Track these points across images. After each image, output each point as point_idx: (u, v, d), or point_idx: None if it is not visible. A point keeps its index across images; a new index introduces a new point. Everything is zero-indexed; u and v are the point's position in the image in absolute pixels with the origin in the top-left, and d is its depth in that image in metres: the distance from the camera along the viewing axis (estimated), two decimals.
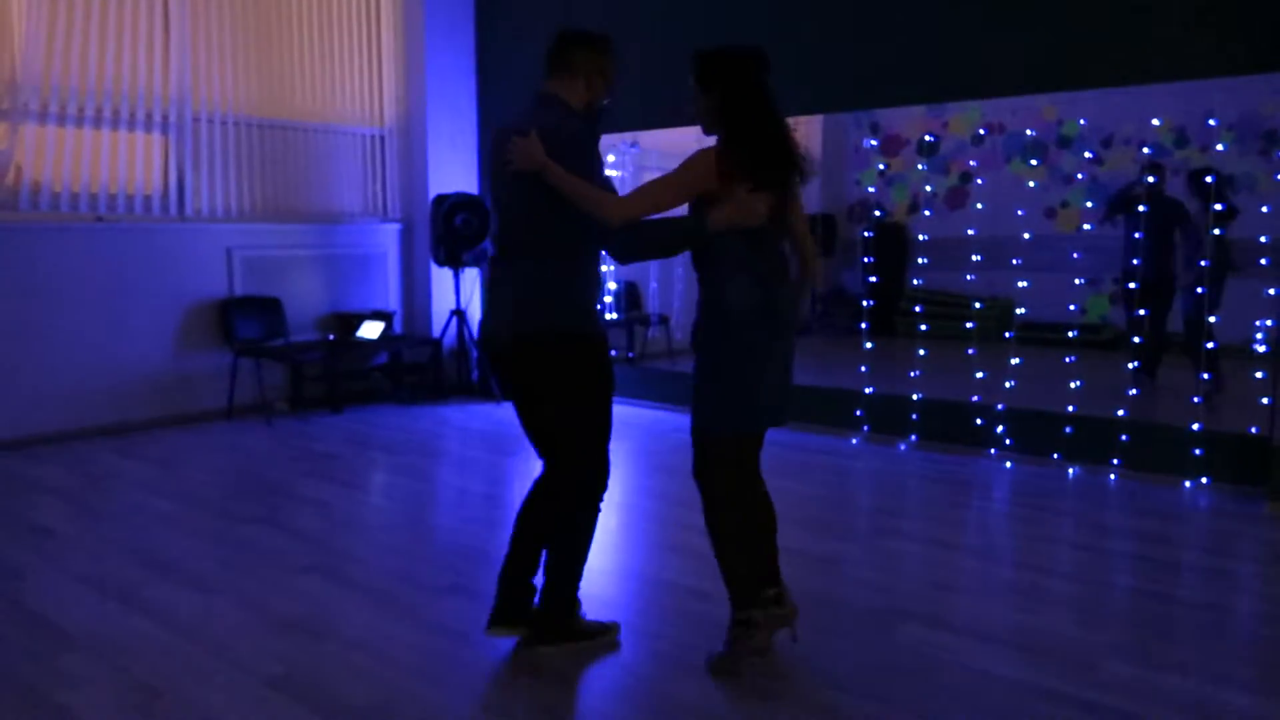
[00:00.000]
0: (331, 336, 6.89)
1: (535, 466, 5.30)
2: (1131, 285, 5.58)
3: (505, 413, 6.69)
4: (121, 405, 5.99)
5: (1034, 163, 8.60)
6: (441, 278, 7.36)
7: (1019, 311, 5.95)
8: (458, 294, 7.03)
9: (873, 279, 6.01)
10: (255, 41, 6.59)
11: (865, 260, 6.24)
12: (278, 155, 6.80)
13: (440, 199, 6.98)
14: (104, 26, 5.85)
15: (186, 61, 6.22)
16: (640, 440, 5.91)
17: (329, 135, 7.07)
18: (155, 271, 6.12)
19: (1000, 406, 5.30)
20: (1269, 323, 4.67)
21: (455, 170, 7.47)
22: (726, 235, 2.63)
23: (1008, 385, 5.37)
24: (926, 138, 9.09)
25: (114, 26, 5.89)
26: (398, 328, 7.42)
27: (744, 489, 2.76)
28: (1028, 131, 8.70)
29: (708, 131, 2.79)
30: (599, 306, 2.91)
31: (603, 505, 2.93)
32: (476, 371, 7.30)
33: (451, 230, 6.88)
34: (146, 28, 6.03)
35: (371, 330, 6.84)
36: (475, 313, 7.54)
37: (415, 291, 7.55)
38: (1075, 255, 5.95)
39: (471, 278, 7.43)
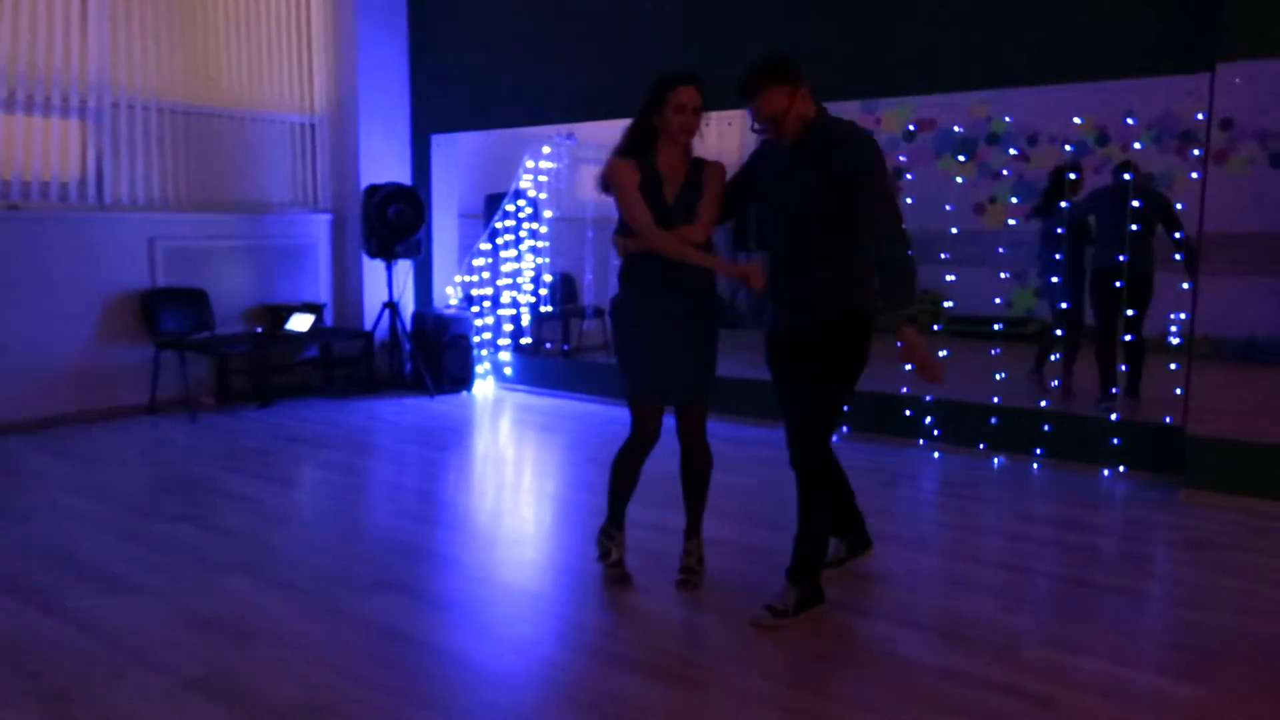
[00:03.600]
0: (259, 329, 6.73)
1: (466, 461, 5.26)
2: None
3: (439, 406, 6.62)
4: (37, 400, 5.77)
5: (963, 159, 8.78)
6: (374, 270, 7.24)
7: (947, 305, 6.07)
8: (390, 286, 6.92)
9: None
10: (178, 24, 6.40)
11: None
12: (203, 143, 6.61)
13: (373, 189, 6.86)
14: (17, 5, 5.62)
15: (106, 43, 6.01)
16: (575, 433, 5.90)
17: (257, 123, 6.90)
18: (73, 262, 5.91)
19: (928, 398, 5.41)
20: (1183, 316, 4.84)
21: (388, 160, 7.36)
22: None
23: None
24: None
25: (28, 5, 5.66)
26: (328, 320, 7.28)
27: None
28: (957, 128, 8.87)
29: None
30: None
31: None
32: (409, 364, 7.21)
33: (384, 221, 6.78)
34: (63, 7, 5.81)
35: (301, 323, 6.70)
36: (408, 305, 7.45)
37: (347, 283, 7.42)
38: (1001, 250, 6.09)
39: (404, 269, 7.33)
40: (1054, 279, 6.11)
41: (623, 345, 3.28)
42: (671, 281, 3.14)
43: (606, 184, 3.21)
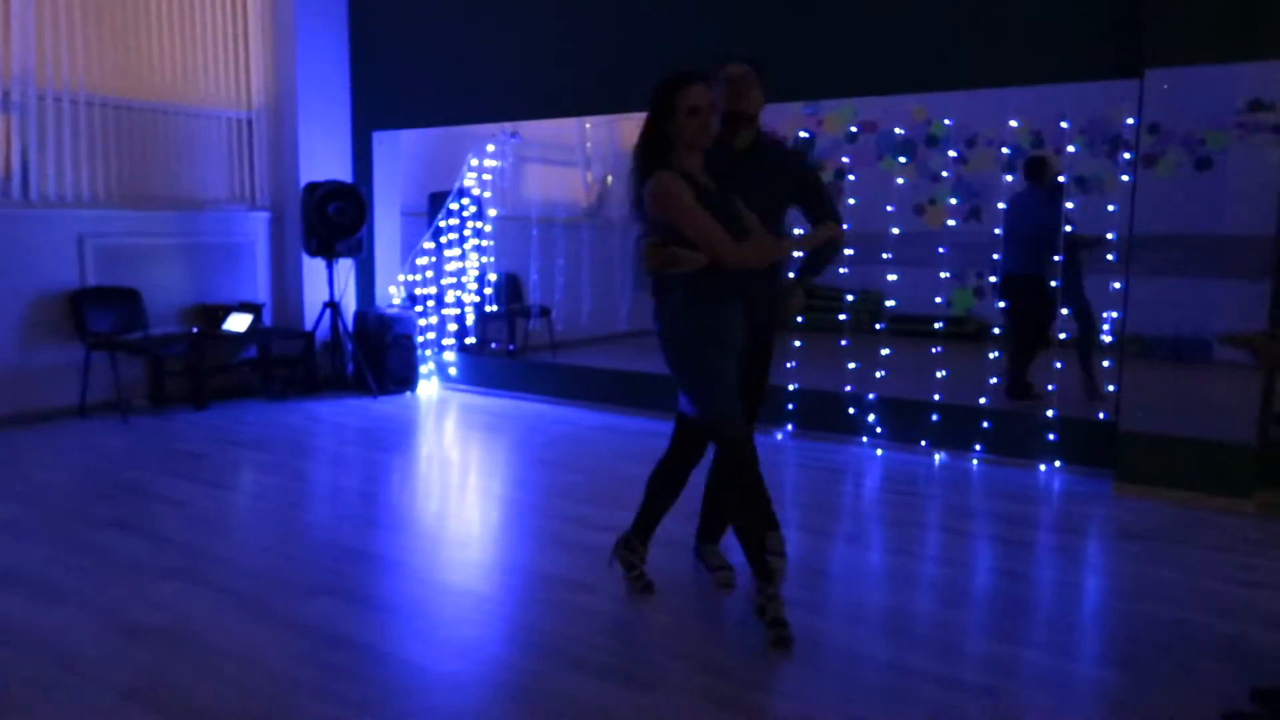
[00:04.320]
0: (195, 329, 6.57)
1: (410, 462, 5.20)
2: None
3: (382, 407, 6.53)
4: None
5: (904, 160, 8.92)
6: (314, 268, 7.11)
7: (889, 304, 6.16)
8: (331, 285, 6.81)
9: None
10: (108, 14, 6.21)
11: None
12: (135, 138, 6.43)
13: (312, 186, 6.74)
14: None
15: (31, 33, 5.80)
16: (521, 434, 5.86)
17: (192, 118, 6.73)
18: None
19: (871, 396, 5.49)
20: (1115, 315, 4.98)
21: (328, 157, 7.24)
22: None
23: (878, 375, 5.55)
24: (802, 134, 9.30)
25: None
26: (267, 320, 7.14)
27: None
28: (898, 130, 9.01)
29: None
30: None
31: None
32: (351, 365, 7.09)
33: (324, 219, 6.66)
34: None
35: (239, 323, 6.55)
36: (349, 304, 7.34)
37: (286, 282, 7.28)
38: (941, 250, 6.20)
39: (345, 268, 7.22)
40: (992, 279, 6.25)
41: (717, 362, 2.91)
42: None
43: (652, 203, 2.85)
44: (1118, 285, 4.86)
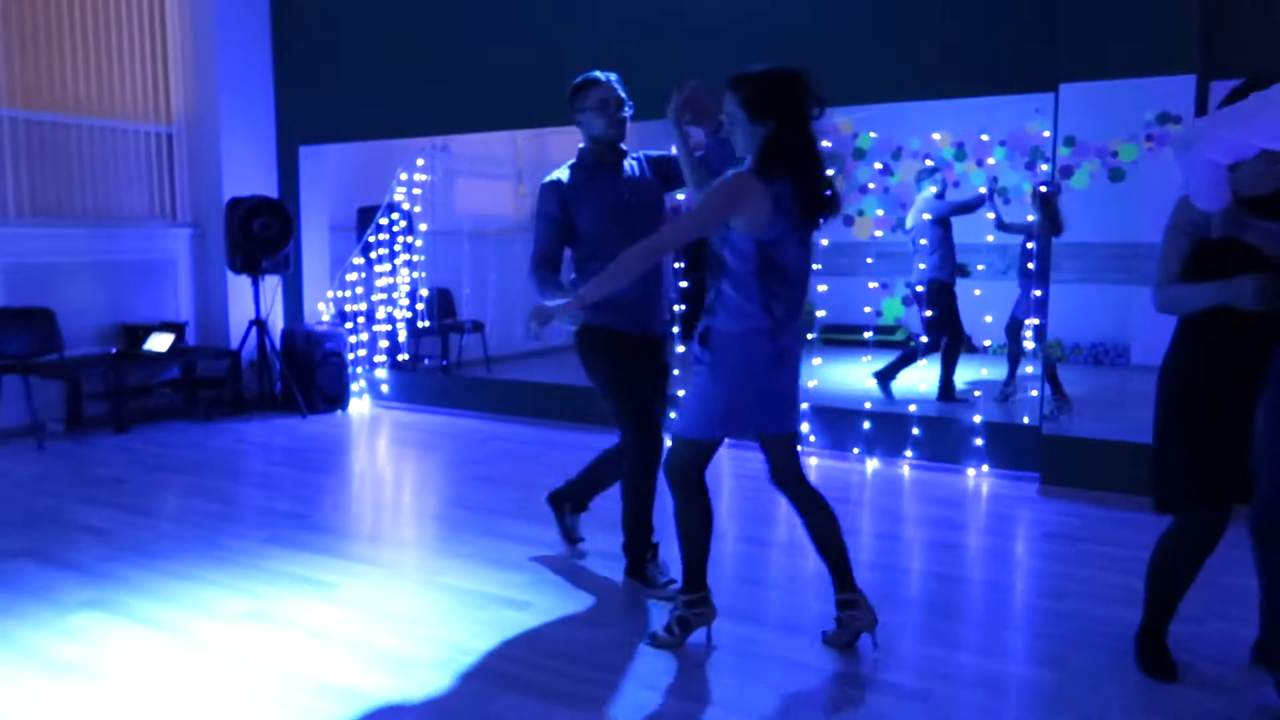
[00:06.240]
0: (114, 350, 6.36)
1: (341, 482, 5.10)
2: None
3: (312, 426, 6.39)
4: None
5: (832, 172, 9.05)
6: (239, 286, 6.94)
7: (819, 314, 6.24)
8: (257, 303, 6.65)
9: (683, 284, 6.15)
10: (16, 25, 5.99)
11: (675, 266, 6.38)
12: (48, 152, 6.21)
13: (236, 202, 6.58)
14: None
15: None
16: (456, 450, 5.79)
17: (108, 132, 6.52)
18: None
19: (804, 405, 5.54)
20: (1035, 322, 5.12)
21: (253, 172, 7.08)
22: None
23: (811, 384, 5.62)
24: None
25: None
26: (191, 339, 6.94)
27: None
28: (826, 143, 9.15)
29: None
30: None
31: None
32: (280, 384, 6.93)
33: (249, 235, 6.51)
34: None
35: (160, 342, 6.36)
36: (277, 322, 7.17)
37: (210, 300, 7.09)
38: (870, 260, 6.31)
39: (272, 285, 7.06)
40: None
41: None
42: None
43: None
44: (1038, 293, 5.00)
